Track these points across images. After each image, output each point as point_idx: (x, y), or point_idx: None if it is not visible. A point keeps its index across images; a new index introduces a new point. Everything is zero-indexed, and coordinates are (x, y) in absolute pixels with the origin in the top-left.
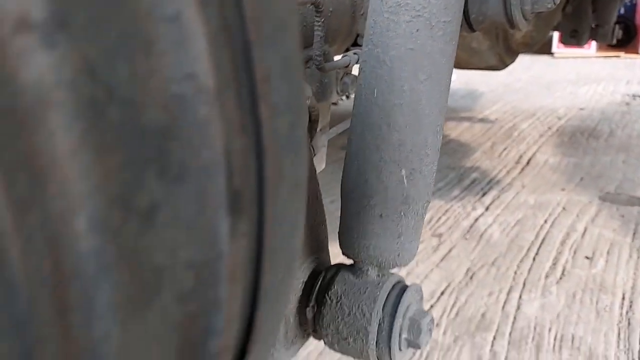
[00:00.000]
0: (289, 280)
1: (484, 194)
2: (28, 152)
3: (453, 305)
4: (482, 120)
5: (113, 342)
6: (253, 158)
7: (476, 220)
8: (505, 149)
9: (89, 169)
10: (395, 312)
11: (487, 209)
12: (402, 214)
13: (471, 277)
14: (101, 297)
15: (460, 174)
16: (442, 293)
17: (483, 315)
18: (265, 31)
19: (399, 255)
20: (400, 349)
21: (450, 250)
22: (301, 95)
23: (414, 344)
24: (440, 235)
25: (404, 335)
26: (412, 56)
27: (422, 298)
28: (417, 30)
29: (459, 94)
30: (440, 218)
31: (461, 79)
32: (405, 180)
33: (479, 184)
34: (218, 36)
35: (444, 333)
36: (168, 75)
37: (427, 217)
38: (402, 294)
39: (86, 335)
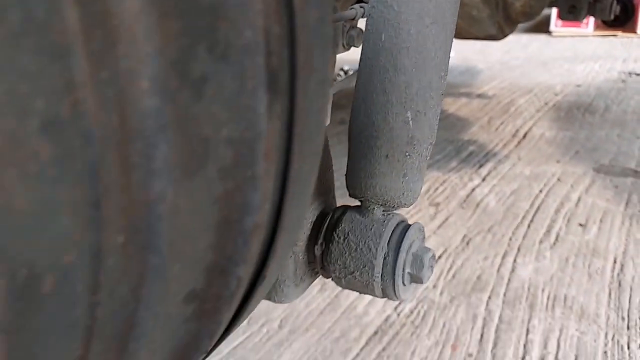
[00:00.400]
0: (313, 173)
1: (480, 166)
2: (102, 12)
3: (450, 269)
4: (479, 96)
5: (166, 204)
6: (286, 45)
7: (473, 190)
8: (502, 123)
9: (151, 31)
10: (400, 247)
11: (483, 179)
12: (407, 154)
13: (467, 243)
14: (159, 156)
15: (457, 146)
16: (439, 257)
17: (479, 277)
18: None
19: (403, 194)
20: (404, 283)
21: (447, 219)
22: None
23: (416, 278)
24: (437, 205)
25: (407, 270)
26: (419, 0)
27: (424, 237)
28: None
29: (457, 70)
30: (437, 188)
31: (460, 55)
32: (410, 122)
33: (476, 157)
34: None
35: (441, 294)
36: None
37: (425, 187)
38: (406, 231)
39: (145, 191)
